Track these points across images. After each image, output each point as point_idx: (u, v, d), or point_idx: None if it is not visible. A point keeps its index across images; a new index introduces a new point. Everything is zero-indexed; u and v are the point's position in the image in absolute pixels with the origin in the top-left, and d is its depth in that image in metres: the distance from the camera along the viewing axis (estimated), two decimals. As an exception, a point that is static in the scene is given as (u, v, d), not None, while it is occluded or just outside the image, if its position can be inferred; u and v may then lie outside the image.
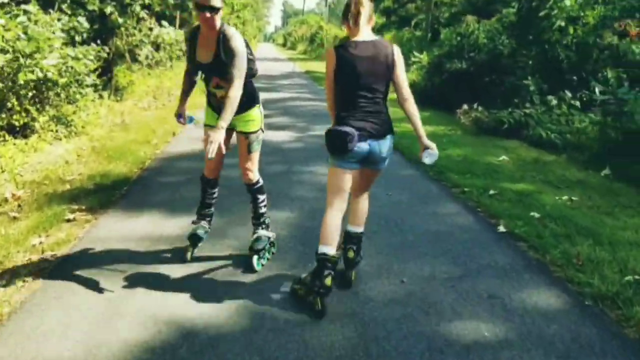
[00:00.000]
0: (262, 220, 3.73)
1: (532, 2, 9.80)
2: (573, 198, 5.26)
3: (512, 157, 6.94)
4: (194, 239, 3.78)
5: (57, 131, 7.53)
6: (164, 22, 13.19)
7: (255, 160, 3.58)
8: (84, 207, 4.83)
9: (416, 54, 14.50)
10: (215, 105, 3.47)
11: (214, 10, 3.13)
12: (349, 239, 3.36)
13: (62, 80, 7.03)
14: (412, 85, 13.46)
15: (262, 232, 3.70)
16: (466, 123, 9.05)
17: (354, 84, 2.98)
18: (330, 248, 3.01)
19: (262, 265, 3.61)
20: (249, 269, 3.54)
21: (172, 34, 13.25)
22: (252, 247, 3.59)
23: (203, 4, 3.12)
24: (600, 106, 7.99)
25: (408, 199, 5.20)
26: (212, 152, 2.93)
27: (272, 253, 3.79)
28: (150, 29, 12.63)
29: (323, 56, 34.17)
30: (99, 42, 8.76)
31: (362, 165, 3.12)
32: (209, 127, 3.49)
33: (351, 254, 3.33)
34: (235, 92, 3.15)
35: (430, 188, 5.63)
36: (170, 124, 9.23)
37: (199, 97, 6.40)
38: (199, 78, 3.65)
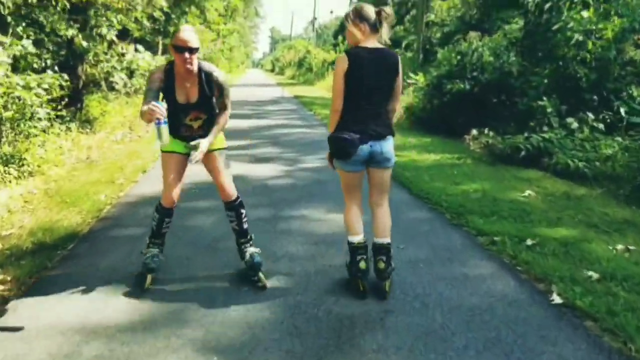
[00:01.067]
0: (248, 236, 3.71)
1: (541, 16, 8.90)
2: (630, 247, 4.20)
3: (538, 192, 5.90)
4: (150, 270, 3.58)
5: (5, 172, 6.42)
6: (140, 47, 12.14)
7: (231, 176, 3.65)
8: (9, 278, 3.71)
9: (412, 75, 13.58)
10: (188, 135, 3.47)
11: (193, 51, 3.15)
12: (377, 251, 3.38)
13: (6, 114, 5.95)
14: (410, 109, 12.56)
15: (252, 249, 3.67)
16: (476, 150, 8.04)
17: (361, 86, 3.17)
18: (356, 237, 3.35)
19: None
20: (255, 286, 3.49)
21: (149, 60, 12.19)
22: (252, 265, 3.56)
23: (182, 45, 3.12)
24: (630, 129, 7.03)
25: (426, 255, 4.10)
26: (196, 158, 3.26)
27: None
28: (123, 55, 11.57)
29: (311, 81, 33.52)
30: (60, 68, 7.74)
31: (367, 165, 3.35)
32: (169, 153, 3.48)
33: (382, 265, 3.34)
34: (226, 118, 3.49)
35: (451, 237, 4.53)
36: (142, 158, 8.17)
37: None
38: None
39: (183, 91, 3.33)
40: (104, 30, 9.41)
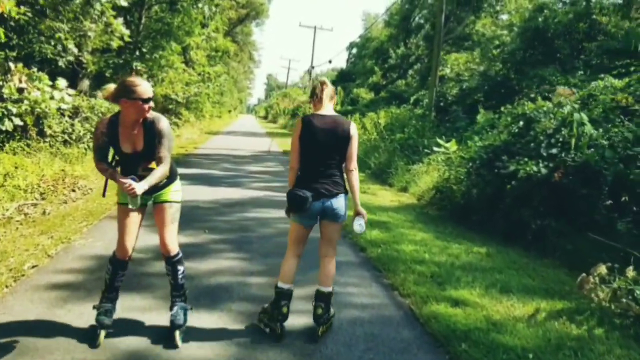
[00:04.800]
0: (182, 292, 3.69)
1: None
2: None
3: None
4: (103, 326, 3.47)
5: None
6: (63, 81, 8.59)
7: (176, 231, 3.63)
8: None
9: (440, 141, 10.17)
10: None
11: (150, 101, 3.28)
12: (318, 297, 3.69)
13: None
14: (440, 190, 9.07)
15: (181, 303, 3.64)
16: (594, 296, 4.40)
17: (314, 149, 3.59)
18: (286, 284, 3.65)
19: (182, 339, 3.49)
20: (170, 344, 3.42)
21: (66, 99, 8.64)
22: (173, 321, 3.53)
23: (142, 97, 3.23)
24: None
25: None
26: (132, 190, 3.13)
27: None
28: (21, 90, 8.07)
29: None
30: None
31: (319, 219, 3.69)
32: (123, 205, 3.48)
33: (319, 311, 3.65)
34: (166, 168, 3.36)
35: None
36: (23, 255, 4.66)
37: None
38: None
39: (129, 140, 3.36)
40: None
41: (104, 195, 3.89)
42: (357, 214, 3.70)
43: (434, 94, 18.11)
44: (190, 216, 7.24)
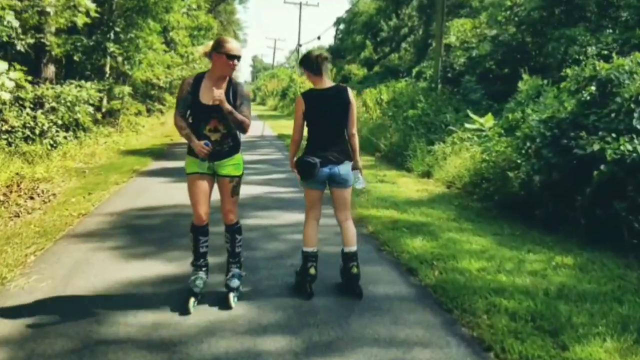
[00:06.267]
0: (237, 259, 3.84)
1: None
2: None
3: None
4: (194, 291, 3.66)
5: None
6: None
7: (237, 202, 3.78)
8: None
9: (474, 116, 8.54)
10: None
11: (239, 59, 3.57)
12: (348, 258, 3.90)
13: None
14: (484, 178, 7.25)
15: (237, 270, 3.81)
16: None
17: (320, 123, 3.84)
18: (310, 247, 3.88)
19: (236, 302, 3.67)
20: (225, 305, 3.60)
21: (8, 84, 6.77)
22: (228, 284, 3.74)
23: (236, 54, 3.51)
24: None
25: None
26: (219, 95, 3.41)
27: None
28: None
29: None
30: None
31: (328, 185, 3.92)
32: (193, 174, 3.65)
33: (355, 270, 3.85)
34: (248, 122, 3.61)
35: None
36: None
37: None
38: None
39: (209, 94, 3.50)
40: None
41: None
42: (354, 168, 3.99)
43: (440, 64, 16.40)
44: (175, 229, 5.61)
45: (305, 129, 3.95)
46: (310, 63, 3.84)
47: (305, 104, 3.81)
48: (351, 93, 3.89)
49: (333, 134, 3.86)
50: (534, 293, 3.78)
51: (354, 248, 3.90)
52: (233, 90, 3.59)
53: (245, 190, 8.06)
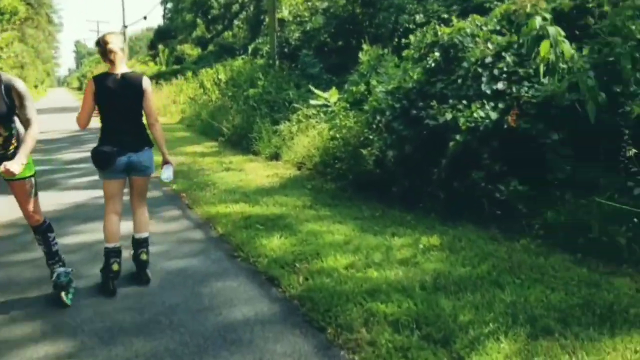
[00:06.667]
0: (57, 257, 3.68)
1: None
2: None
3: None
4: (62, 287, 3.54)
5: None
6: None
7: (38, 200, 3.55)
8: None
9: (317, 91, 8.09)
10: None
11: None
12: (138, 244, 3.91)
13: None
14: (326, 161, 6.77)
15: (60, 269, 3.62)
16: None
17: (110, 108, 3.68)
18: (112, 243, 3.75)
19: (71, 299, 3.53)
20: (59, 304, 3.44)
21: None
22: (57, 284, 3.54)
23: None
24: None
25: None
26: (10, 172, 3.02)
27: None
28: None
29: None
30: None
31: (127, 174, 3.78)
32: None
33: (144, 257, 3.87)
34: (34, 135, 3.24)
35: None
36: None
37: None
38: None
39: None
40: None
41: None
42: (165, 162, 3.97)
43: (275, 39, 15.93)
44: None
45: (99, 120, 3.77)
46: (100, 47, 3.68)
47: (96, 87, 3.64)
48: (147, 81, 3.77)
49: (128, 121, 3.73)
50: (411, 289, 3.35)
51: (145, 234, 3.93)
52: (6, 89, 3.17)
53: (66, 199, 6.82)
